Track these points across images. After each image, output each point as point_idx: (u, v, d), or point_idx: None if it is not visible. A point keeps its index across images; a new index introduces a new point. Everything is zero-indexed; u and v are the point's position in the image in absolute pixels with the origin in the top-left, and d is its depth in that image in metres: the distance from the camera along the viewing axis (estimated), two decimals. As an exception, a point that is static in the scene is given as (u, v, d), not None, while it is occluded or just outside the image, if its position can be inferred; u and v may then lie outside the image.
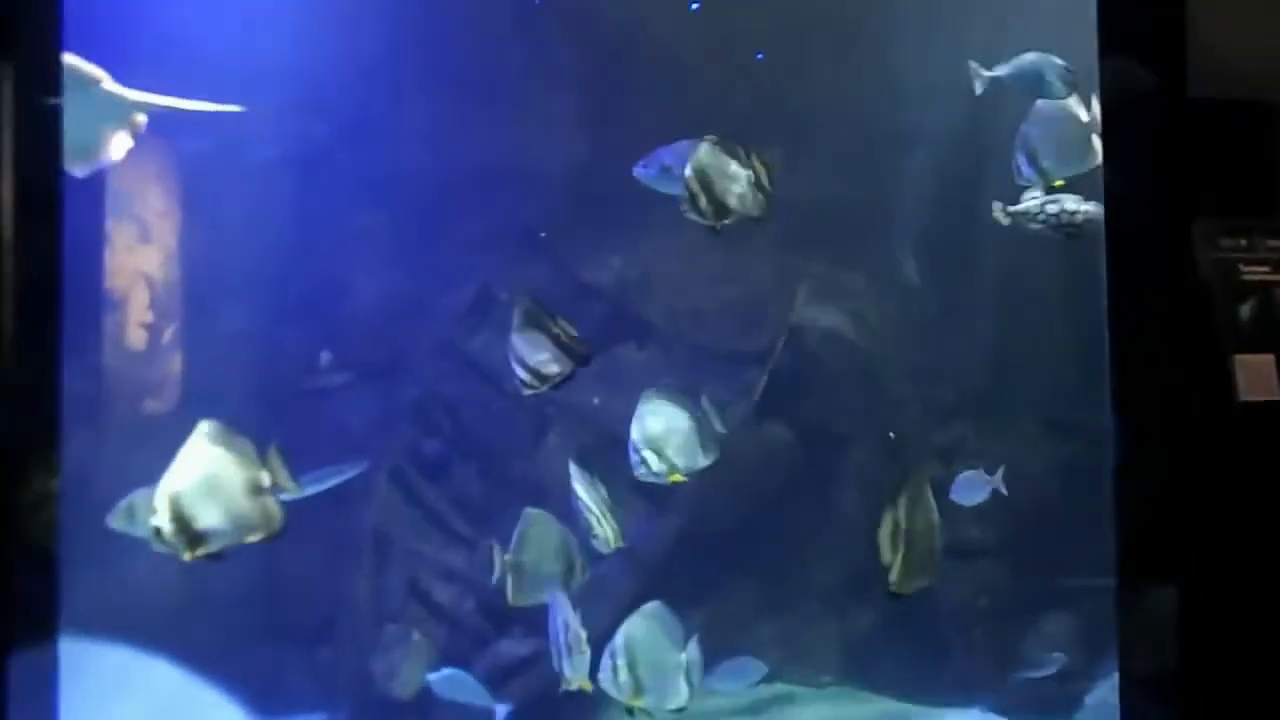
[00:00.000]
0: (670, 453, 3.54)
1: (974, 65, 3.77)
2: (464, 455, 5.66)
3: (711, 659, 5.09)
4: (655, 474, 3.54)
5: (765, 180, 3.36)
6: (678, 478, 3.52)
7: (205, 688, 4.26)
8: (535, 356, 3.48)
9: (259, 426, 5.46)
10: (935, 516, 3.26)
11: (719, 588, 5.50)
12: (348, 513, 5.43)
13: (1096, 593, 4.09)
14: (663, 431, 3.54)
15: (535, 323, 3.51)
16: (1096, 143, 3.46)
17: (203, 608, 4.44)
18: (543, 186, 5.59)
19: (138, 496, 3.48)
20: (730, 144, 3.40)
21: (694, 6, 5.67)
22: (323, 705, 5.13)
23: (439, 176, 5.54)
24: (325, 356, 5.72)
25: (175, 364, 5.59)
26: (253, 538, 2.85)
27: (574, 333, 3.57)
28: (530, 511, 3.76)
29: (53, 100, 1.17)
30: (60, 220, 1.21)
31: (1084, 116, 3.60)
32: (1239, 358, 2.86)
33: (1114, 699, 2.98)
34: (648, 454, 3.52)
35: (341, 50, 5.34)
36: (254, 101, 5.26)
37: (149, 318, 5.41)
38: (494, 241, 5.63)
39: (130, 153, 5.42)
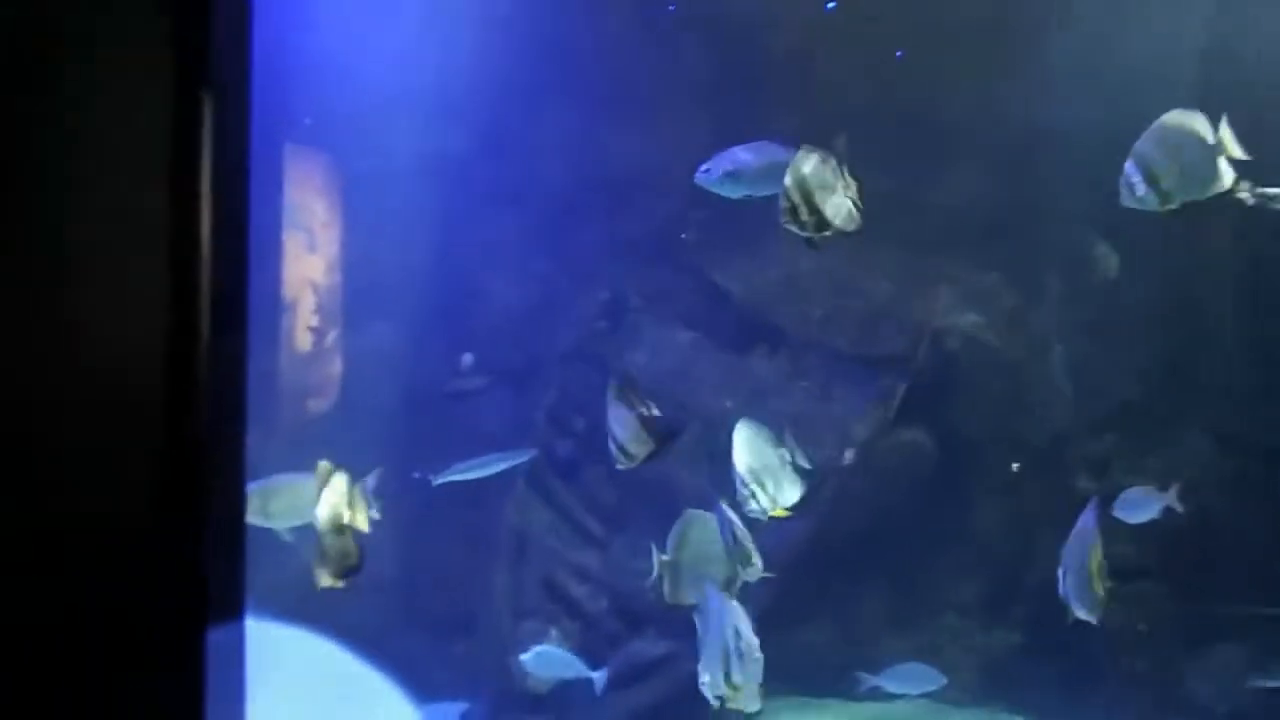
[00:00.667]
0: (770, 488, 3.54)
1: None
2: (596, 458, 5.76)
3: (855, 664, 4.99)
4: (762, 510, 3.53)
5: (857, 195, 3.26)
6: (781, 513, 3.50)
7: (360, 667, 4.49)
8: (621, 434, 3.61)
9: (403, 427, 5.74)
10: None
11: (851, 596, 5.38)
12: (487, 511, 5.61)
13: (1267, 620, 3.79)
14: (760, 466, 3.55)
15: (624, 401, 3.62)
16: (1224, 165, 3.17)
17: (357, 593, 4.68)
18: (676, 193, 5.62)
19: (252, 488, 3.72)
20: (824, 153, 3.29)
21: (830, 6, 5.59)
22: (465, 694, 5.31)
23: (574, 184, 5.67)
24: (466, 359, 5.93)
25: (334, 366, 5.92)
26: (328, 578, 3.10)
27: (657, 412, 3.66)
28: (690, 512, 3.79)
29: (242, 121, 1.27)
30: (247, 232, 1.31)
31: (1210, 137, 3.26)
32: None
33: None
34: (755, 489, 3.53)
35: (480, 65, 5.53)
36: (400, 116, 5.53)
37: (314, 322, 5.75)
38: (627, 248, 5.71)
39: (295, 167, 5.76)
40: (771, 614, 5.31)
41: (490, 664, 5.44)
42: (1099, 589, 3.09)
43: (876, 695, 4.93)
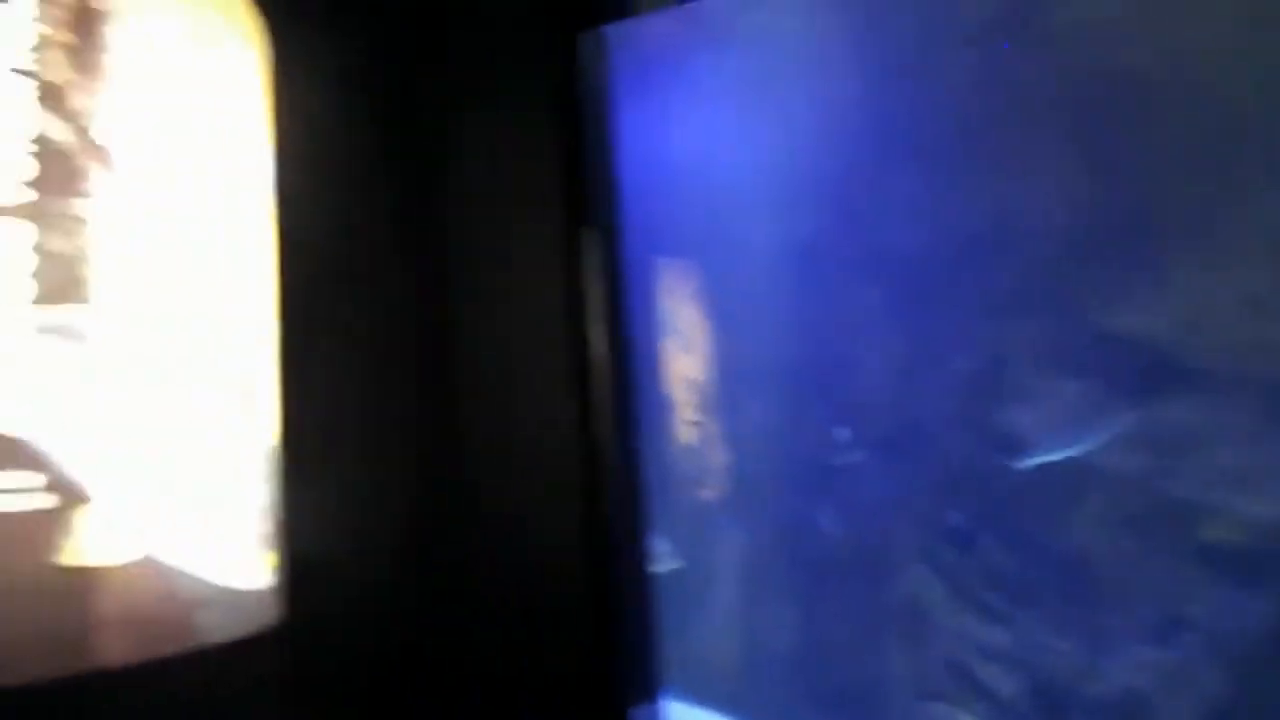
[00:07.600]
0: None
1: None
2: (989, 528, 5.41)
3: None
4: None
5: None
6: None
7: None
8: None
9: (788, 506, 5.82)
10: None
11: None
12: (883, 584, 5.48)
13: None
14: None
15: None
16: None
17: (758, 671, 4.75)
18: (1038, 239, 5.26)
19: None
20: None
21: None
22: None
23: (931, 247, 5.53)
24: (842, 433, 5.92)
25: (717, 454, 6.24)
26: None
27: None
28: None
29: (616, 250, 1.49)
30: (632, 346, 1.53)
31: None
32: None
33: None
34: None
35: (826, 146, 5.65)
36: (753, 210, 5.80)
37: (693, 415, 6.13)
38: (995, 304, 5.42)
39: (665, 279, 6.27)
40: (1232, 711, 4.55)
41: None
42: None
43: None
